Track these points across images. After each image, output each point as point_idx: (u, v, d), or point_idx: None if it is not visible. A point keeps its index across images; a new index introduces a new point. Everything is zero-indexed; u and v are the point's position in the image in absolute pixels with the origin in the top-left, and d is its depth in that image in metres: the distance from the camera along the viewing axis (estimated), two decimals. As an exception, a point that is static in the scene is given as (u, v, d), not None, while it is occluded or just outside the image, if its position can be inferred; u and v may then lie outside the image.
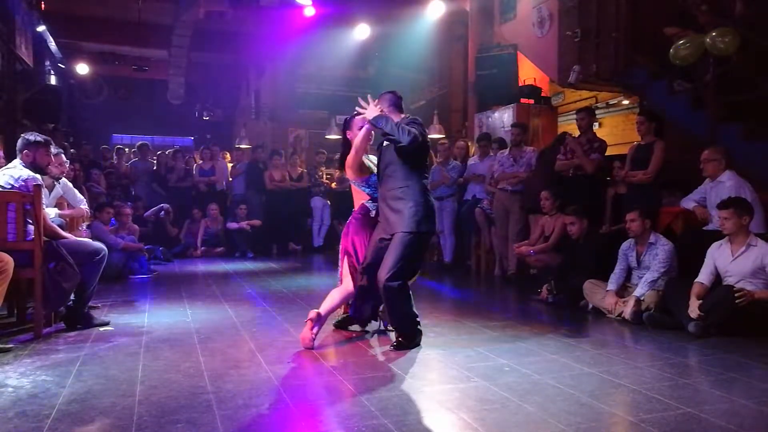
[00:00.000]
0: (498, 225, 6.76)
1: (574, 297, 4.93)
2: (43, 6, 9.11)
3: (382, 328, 3.99)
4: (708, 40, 5.33)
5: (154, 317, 4.49)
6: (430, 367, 3.23)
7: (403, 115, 3.74)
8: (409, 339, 3.61)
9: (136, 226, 7.43)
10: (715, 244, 4.15)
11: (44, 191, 4.05)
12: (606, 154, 5.96)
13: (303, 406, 2.59)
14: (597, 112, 8.23)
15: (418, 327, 3.68)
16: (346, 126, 4.01)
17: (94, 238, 5.18)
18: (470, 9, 9.62)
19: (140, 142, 10.43)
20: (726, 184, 4.51)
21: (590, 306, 4.77)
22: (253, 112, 12.63)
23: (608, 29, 6.87)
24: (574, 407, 2.56)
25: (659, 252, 4.44)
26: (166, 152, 10.15)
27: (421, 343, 3.66)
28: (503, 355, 3.38)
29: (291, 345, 3.67)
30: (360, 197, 3.95)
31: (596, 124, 8.58)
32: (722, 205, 4.04)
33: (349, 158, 3.81)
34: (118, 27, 11.24)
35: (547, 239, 5.65)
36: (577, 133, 6.18)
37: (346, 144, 3.96)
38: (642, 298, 4.34)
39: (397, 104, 3.83)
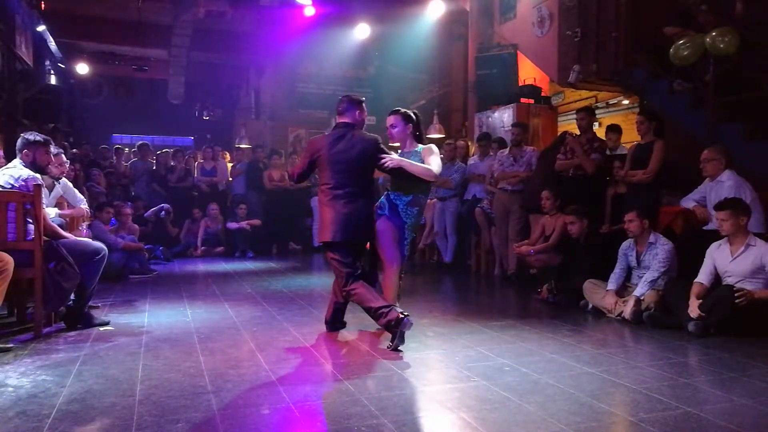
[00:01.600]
0: (498, 225, 6.76)
1: (574, 297, 4.93)
2: (43, 5, 9.10)
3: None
4: (708, 39, 5.33)
5: (154, 317, 4.49)
6: (430, 367, 3.23)
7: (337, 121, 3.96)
8: (394, 333, 3.49)
9: (136, 226, 7.44)
10: (714, 245, 4.15)
11: (44, 191, 4.05)
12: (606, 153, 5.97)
13: (303, 406, 2.59)
14: (597, 111, 8.23)
15: (389, 314, 3.49)
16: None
17: (94, 237, 5.18)
18: (470, 9, 9.62)
19: (140, 142, 10.43)
20: (726, 184, 4.51)
21: (590, 306, 4.77)
22: (253, 111, 12.62)
23: (608, 29, 6.88)
24: (574, 407, 2.56)
25: (659, 251, 4.45)
26: (165, 151, 10.16)
27: (421, 342, 3.67)
28: (503, 355, 3.38)
29: (291, 344, 3.67)
30: None
31: (596, 123, 8.59)
32: (719, 207, 4.04)
33: None
34: (118, 27, 11.23)
35: (548, 239, 5.65)
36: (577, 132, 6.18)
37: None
38: (642, 298, 4.34)
39: (336, 110, 4.00)
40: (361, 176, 3.84)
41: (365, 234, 3.88)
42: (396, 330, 3.49)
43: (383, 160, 3.78)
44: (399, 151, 4.16)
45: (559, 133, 7.21)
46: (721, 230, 4.03)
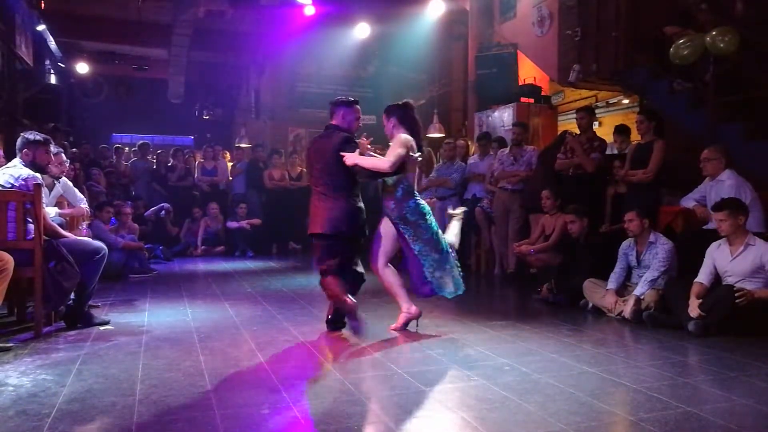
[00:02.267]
0: (498, 224, 6.76)
1: (574, 296, 4.93)
2: (43, 5, 9.09)
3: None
4: (708, 39, 5.33)
5: (154, 316, 4.49)
6: (430, 367, 3.22)
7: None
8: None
9: (136, 225, 7.44)
10: (714, 244, 4.15)
11: (44, 190, 4.05)
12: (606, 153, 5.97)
13: (303, 406, 2.59)
14: (597, 111, 8.23)
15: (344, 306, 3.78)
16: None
17: (94, 237, 5.18)
18: (470, 8, 9.61)
19: (141, 141, 10.45)
20: (726, 183, 4.52)
21: (590, 305, 4.77)
22: (253, 111, 12.60)
23: (608, 28, 6.87)
24: (574, 406, 2.56)
25: (659, 251, 4.45)
26: (162, 150, 10.17)
27: (421, 342, 3.69)
28: (503, 355, 3.38)
29: (291, 344, 3.67)
30: None
31: (596, 123, 8.60)
32: (717, 207, 4.04)
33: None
34: (118, 26, 11.22)
35: (547, 238, 5.65)
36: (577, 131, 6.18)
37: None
38: (642, 297, 4.34)
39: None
40: (335, 173, 3.88)
41: (348, 228, 3.87)
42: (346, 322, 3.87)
43: (344, 158, 3.83)
44: None
45: (558, 133, 7.21)
46: (719, 230, 4.03)
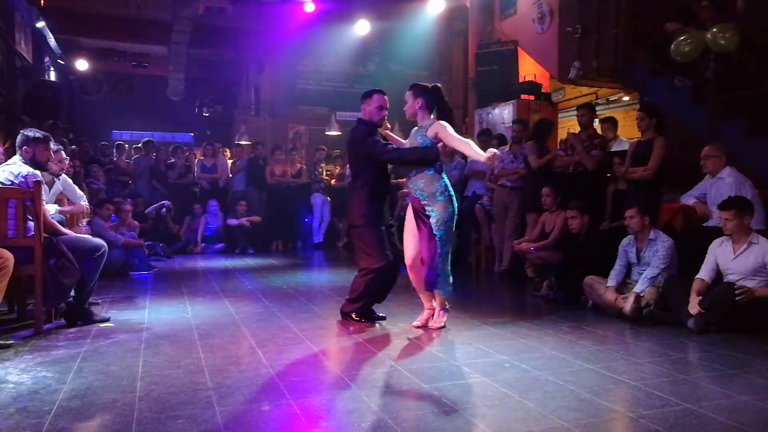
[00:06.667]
0: (498, 221, 6.76)
1: (574, 293, 4.93)
2: (42, 2, 9.08)
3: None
4: (709, 36, 5.32)
5: (155, 313, 4.50)
6: (430, 364, 3.23)
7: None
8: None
9: (136, 223, 7.43)
10: (716, 241, 4.15)
11: (44, 187, 4.04)
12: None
13: (303, 402, 2.59)
14: (597, 108, 8.24)
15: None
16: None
17: (94, 234, 5.18)
18: (470, 5, 9.62)
19: (146, 139, 10.47)
20: (726, 181, 4.52)
21: (590, 302, 4.77)
22: (253, 108, 12.60)
23: (609, 25, 6.87)
24: (573, 403, 2.56)
25: (659, 248, 4.44)
26: (162, 148, 10.18)
27: (421, 338, 3.69)
28: (503, 352, 3.38)
29: (291, 341, 3.67)
30: None
31: (596, 120, 8.61)
32: (723, 207, 4.03)
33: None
34: (117, 23, 11.21)
35: (548, 236, 5.65)
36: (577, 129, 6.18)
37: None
38: (642, 295, 4.34)
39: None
40: (355, 164, 4.27)
41: (360, 218, 4.10)
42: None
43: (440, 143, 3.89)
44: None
45: (538, 121, 6.98)
46: (724, 229, 4.03)
